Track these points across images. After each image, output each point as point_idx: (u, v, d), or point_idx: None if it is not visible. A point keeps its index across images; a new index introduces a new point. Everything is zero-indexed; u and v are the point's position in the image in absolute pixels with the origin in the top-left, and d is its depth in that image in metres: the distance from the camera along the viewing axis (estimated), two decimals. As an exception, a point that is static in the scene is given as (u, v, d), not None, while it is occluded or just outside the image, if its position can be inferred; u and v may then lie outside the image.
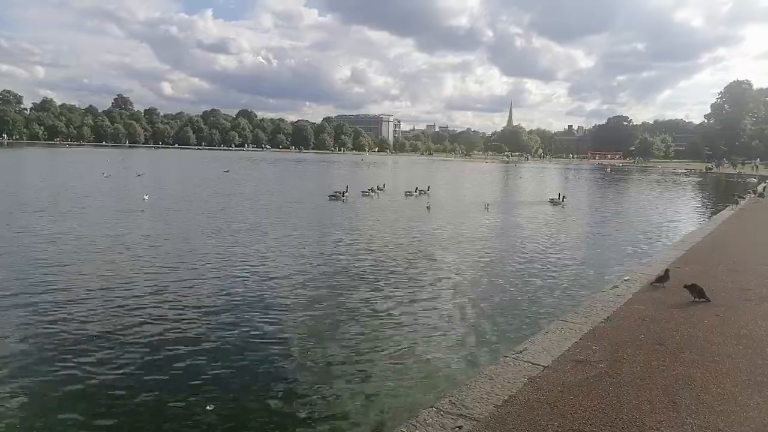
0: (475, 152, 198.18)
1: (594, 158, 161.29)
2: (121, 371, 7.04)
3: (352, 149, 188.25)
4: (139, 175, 41.18)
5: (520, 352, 6.00)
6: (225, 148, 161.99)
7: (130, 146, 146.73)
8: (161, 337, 8.19)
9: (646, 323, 7.06)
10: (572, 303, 10.15)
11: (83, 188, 31.06)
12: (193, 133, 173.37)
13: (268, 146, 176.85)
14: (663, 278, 9.05)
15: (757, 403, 4.82)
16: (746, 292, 8.73)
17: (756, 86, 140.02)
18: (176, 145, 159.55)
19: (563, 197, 31.56)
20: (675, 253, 12.42)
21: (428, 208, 26.24)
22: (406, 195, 32.61)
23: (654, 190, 48.38)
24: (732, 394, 4.97)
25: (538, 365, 5.60)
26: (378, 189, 33.80)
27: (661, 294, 8.59)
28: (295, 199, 29.41)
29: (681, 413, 4.59)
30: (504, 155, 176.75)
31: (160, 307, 9.65)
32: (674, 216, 27.56)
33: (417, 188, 34.01)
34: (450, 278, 12.46)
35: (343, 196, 29.58)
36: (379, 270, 13.04)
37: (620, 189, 49.42)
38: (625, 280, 9.85)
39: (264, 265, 13.21)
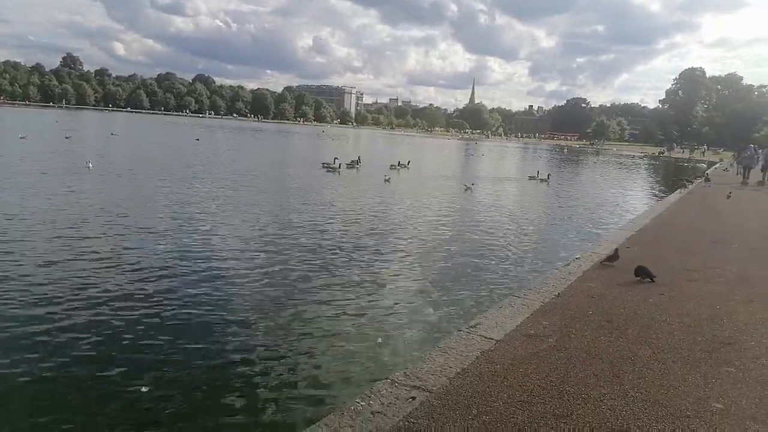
0: (437, 128, 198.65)
1: (552, 139, 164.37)
2: (53, 355, 6.68)
3: (314, 121, 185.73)
4: (67, 138, 40.22)
5: (474, 326, 6.14)
6: (180, 113, 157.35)
7: (78, 107, 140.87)
8: (97, 317, 7.97)
9: (594, 300, 7.31)
10: (526, 280, 10.45)
11: None
12: (147, 96, 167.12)
13: (235, 114, 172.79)
14: (612, 257, 9.37)
15: (695, 378, 5.08)
16: (690, 272, 9.13)
17: (709, 74, 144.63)
18: (128, 109, 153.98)
19: (549, 175, 34.25)
20: (624, 234, 12.86)
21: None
22: (390, 168, 34.01)
23: (608, 173, 49.75)
24: (672, 370, 5.22)
25: (491, 339, 5.75)
26: (356, 163, 34.44)
27: (610, 272, 8.89)
28: (291, 171, 29.63)
29: (624, 386, 4.81)
30: (465, 132, 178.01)
31: (98, 285, 9.42)
32: (625, 198, 28.48)
33: (399, 162, 35.88)
34: (414, 254, 12.61)
35: (339, 167, 31.02)
36: (340, 244, 13.08)
37: (577, 170, 50.57)
38: (576, 258, 10.15)
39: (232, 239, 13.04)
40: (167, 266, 10.22)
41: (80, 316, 7.64)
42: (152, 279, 9.40)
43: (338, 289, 9.58)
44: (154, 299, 8.47)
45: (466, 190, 25.88)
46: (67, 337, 6.96)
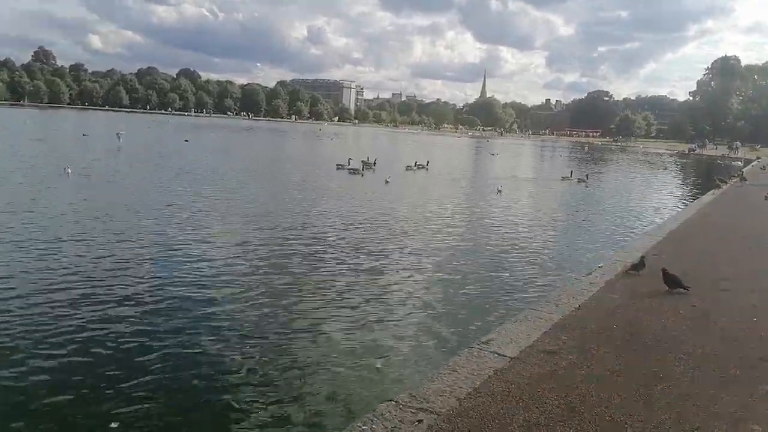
0: (445, 125, 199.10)
1: (571, 135, 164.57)
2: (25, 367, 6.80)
3: (309, 118, 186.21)
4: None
5: (487, 342, 6.15)
6: (164, 111, 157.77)
7: (50, 106, 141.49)
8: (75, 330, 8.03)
9: (618, 313, 7.31)
10: (544, 291, 10.47)
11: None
12: (127, 93, 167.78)
13: (229, 112, 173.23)
14: (638, 266, 9.35)
15: (732, 398, 5.06)
16: (724, 281, 9.12)
17: (744, 62, 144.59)
18: (106, 107, 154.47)
19: (587, 175, 35.58)
20: (652, 239, 12.85)
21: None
22: (406, 169, 35.25)
23: (634, 172, 49.79)
24: (706, 390, 5.20)
25: (505, 356, 5.75)
26: (372, 164, 35.04)
27: (636, 282, 8.89)
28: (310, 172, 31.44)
29: (653, 408, 4.80)
30: (476, 129, 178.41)
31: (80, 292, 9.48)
32: (654, 200, 28.54)
33: (416, 162, 36.97)
34: (425, 262, 12.84)
35: (363, 169, 32.16)
36: (346, 250, 13.44)
37: (601, 170, 50.66)
38: (599, 267, 10.15)
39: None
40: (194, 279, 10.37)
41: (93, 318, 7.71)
42: (166, 287, 9.53)
43: (345, 296, 9.78)
44: (167, 312, 8.72)
45: (498, 192, 26.34)
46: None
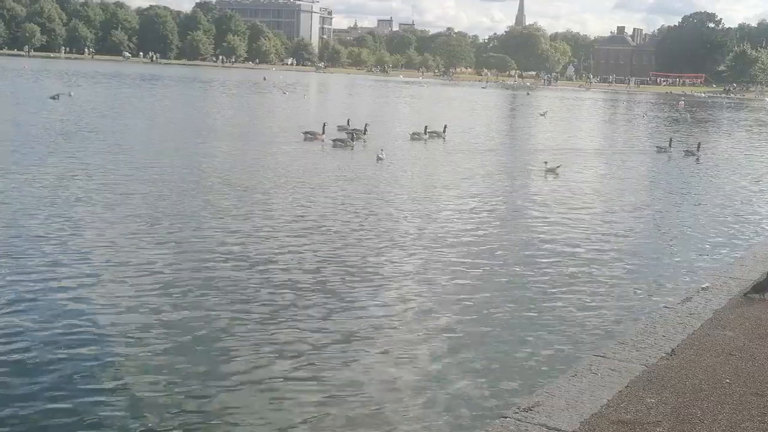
0: (462, 69, 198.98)
1: (659, 83, 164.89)
2: None
3: (248, 60, 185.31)
4: None
5: (531, 408, 6.14)
6: (17, 52, 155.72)
7: None
8: None
9: (734, 359, 7.30)
10: (618, 326, 10.54)
11: None
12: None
13: (127, 53, 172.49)
14: (763, 287, 9.35)
15: None
16: None
17: None
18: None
19: (699, 145, 35.91)
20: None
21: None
22: (412, 138, 36.30)
23: (762, 140, 49.99)
24: None
25: (558, 430, 5.77)
26: (362, 131, 35.52)
27: (759, 312, 8.89)
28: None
29: None
30: (510, 75, 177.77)
31: None
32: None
33: (427, 128, 37.06)
34: (437, 282, 13.10)
35: (352, 139, 33.13)
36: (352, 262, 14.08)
37: (710, 137, 50.59)
38: (702, 288, 10.14)
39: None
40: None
41: None
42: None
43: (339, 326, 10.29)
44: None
45: (547, 172, 26.68)
46: None
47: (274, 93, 77.15)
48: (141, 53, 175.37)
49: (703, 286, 10.34)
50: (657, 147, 36.56)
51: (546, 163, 27.52)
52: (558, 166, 27.34)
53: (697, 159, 33.67)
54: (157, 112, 48.21)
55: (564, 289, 12.84)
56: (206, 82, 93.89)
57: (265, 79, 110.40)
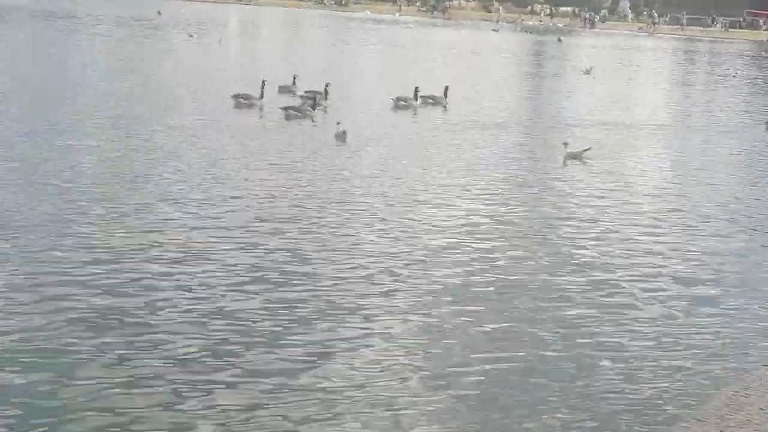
0: (459, 2, 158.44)
1: (755, 28, 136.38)
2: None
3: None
4: None
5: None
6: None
7: None
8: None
9: None
10: (690, 398, 9.07)
11: None
12: None
13: None
14: None
15: None
16: None
17: None
18: None
19: None
20: None
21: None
22: (395, 105, 30.40)
23: None
24: None
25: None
26: (323, 97, 29.84)
27: None
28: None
29: None
30: (535, 14, 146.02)
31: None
32: None
33: (417, 91, 31.03)
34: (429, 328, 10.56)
35: (306, 106, 27.36)
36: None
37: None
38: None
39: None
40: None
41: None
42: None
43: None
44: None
45: (567, 159, 22.14)
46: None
47: (176, 36, 61.28)
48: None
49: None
50: (767, 123, 30.52)
51: (566, 144, 22.19)
52: (587, 149, 22.43)
53: None
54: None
55: (601, 345, 10.50)
56: (69, 19, 68.98)
57: (160, 13, 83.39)
